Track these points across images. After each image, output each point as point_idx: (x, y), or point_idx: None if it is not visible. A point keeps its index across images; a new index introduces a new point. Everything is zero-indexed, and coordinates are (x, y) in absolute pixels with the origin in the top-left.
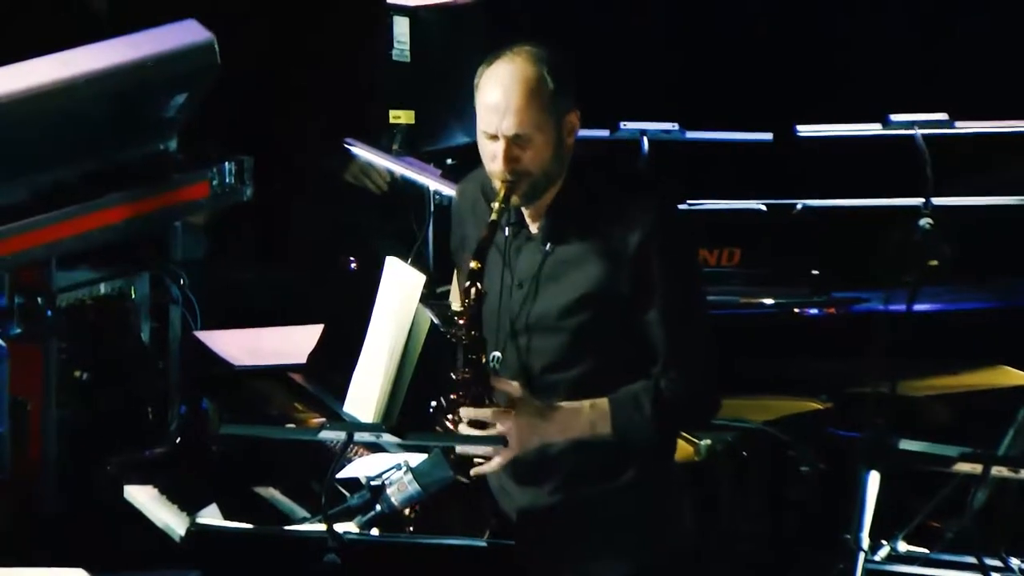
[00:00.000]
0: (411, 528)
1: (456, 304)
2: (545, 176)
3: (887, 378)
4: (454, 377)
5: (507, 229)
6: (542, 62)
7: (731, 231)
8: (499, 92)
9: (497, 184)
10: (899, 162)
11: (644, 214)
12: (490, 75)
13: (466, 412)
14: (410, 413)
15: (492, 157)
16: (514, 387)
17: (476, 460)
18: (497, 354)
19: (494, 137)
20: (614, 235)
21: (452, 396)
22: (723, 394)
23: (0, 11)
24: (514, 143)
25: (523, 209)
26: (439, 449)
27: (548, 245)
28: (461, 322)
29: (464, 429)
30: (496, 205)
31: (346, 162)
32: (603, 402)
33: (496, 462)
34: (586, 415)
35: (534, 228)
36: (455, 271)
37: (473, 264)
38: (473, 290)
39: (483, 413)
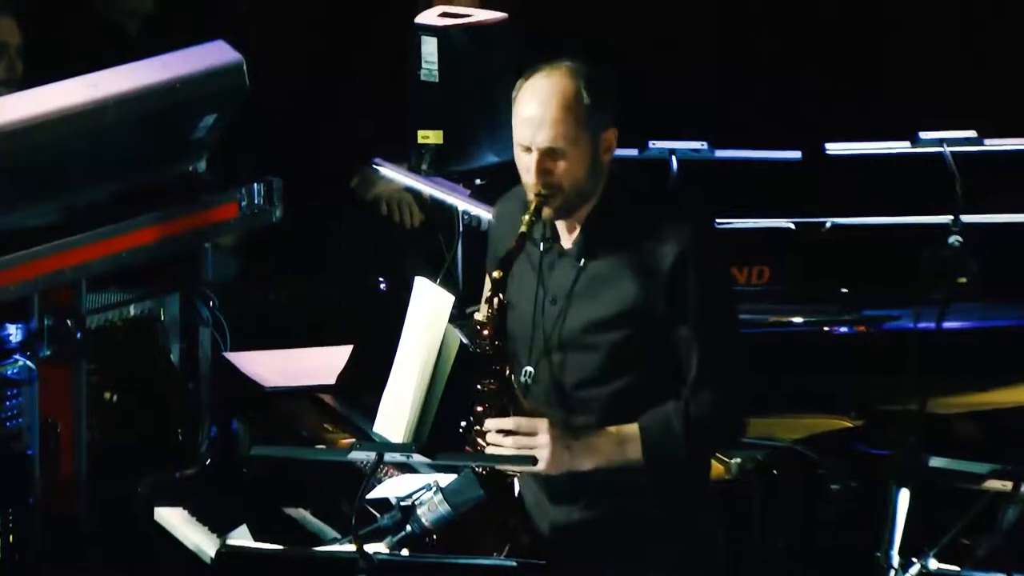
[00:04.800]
0: (435, 537)
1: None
2: (578, 192)
3: (917, 396)
4: (479, 388)
5: (541, 245)
6: (580, 77)
7: (760, 249)
8: (535, 105)
9: (530, 196)
10: (928, 180)
11: (679, 231)
12: (527, 88)
13: (494, 423)
14: (440, 433)
15: (526, 169)
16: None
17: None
18: (530, 369)
19: (528, 149)
20: (648, 252)
21: (477, 408)
22: (753, 412)
23: (31, 33)
24: (547, 156)
25: (558, 224)
26: (469, 469)
27: (582, 261)
28: (485, 333)
29: (493, 439)
30: (526, 218)
31: (381, 189)
32: (632, 428)
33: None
34: (616, 441)
35: (568, 244)
36: (485, 288)
37: (496, 273)
38: (496, 300)
39: (518, 423)
